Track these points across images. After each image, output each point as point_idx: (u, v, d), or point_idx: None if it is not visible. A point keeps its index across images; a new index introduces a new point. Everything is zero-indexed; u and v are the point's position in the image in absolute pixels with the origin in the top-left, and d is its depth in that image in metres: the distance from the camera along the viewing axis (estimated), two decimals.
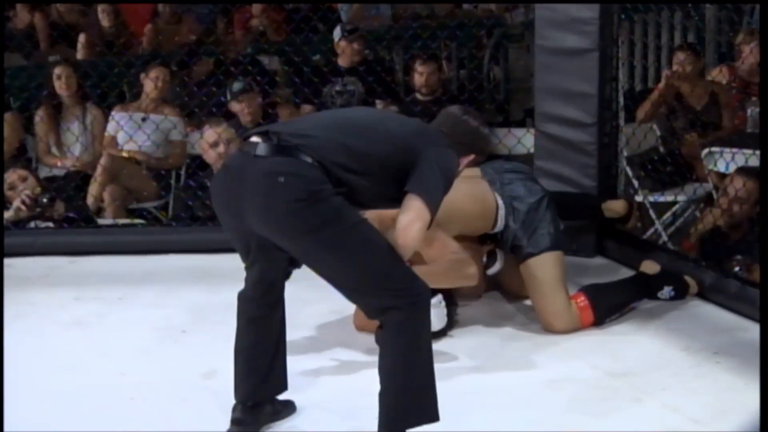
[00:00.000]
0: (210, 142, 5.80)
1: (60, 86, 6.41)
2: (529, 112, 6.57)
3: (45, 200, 5.75)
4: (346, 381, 3.78)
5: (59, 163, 6.39)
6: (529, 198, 4.27)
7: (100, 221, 5.92)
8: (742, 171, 5.14)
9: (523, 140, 5.96)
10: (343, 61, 6.81)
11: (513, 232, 4.23)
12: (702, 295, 4.52)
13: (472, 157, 3.43)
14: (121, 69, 6.78)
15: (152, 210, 6.29)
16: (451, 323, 4.16)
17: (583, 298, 4.21)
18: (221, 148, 5.74)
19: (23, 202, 5.68)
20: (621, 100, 5.24)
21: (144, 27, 7.68)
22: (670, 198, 5.83)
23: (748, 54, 6.14)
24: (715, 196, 5.51)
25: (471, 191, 4.20)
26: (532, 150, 5.51)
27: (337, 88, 6.70)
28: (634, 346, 4.05)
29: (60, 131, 6.46)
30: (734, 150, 5.44)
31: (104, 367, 3.95)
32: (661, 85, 6.26)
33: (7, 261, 4.96)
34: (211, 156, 5.84)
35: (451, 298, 4.17)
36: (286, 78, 7.17)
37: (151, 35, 7.58)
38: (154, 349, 4.13)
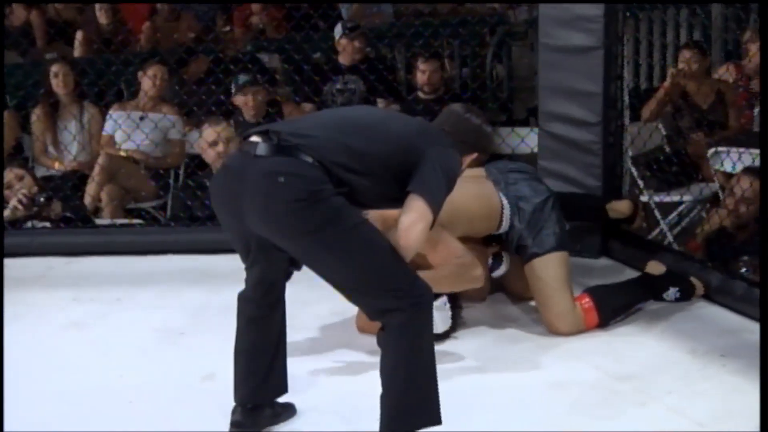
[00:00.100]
0: (209, 141, 5.81)
1: (57, 84, 6.42)
2: (532, 111, 6.57)
3: (42, 200, 5.76)
4: (347, 383, 3.78)
5: (56, 166, 6.40)
6: (535, 198, 4.27)
7: (98, 221, 5.93)
8: (749, 171, 5.13)
9: (526, 139, 5.96)
10: (344, 59, 6.82)
11: (518, 233, 4.24)
12: (708, 296, 4.52)
13: (474, 155, 3.43)
14: (118, 67, 6.79)
15: (150, 210, 6.30)
16: (455, 326, 4.16)
17: (587, 299, 4.22)
18: (220, 147, 5.75)
19: (20, 202, 5.69)
20: (626, 98, 5.24)
21: (142, 24, 7.69)
22: (675, 198, 5.83)
23: (756, 52, 6.14)
24: (721, 196, 5.52)
25: (476, 191, 4.21)
26: (535, 149, 5.52)
27: (338, 86, 6.70)
28: (638, 348, 4.05)
29: (57, 130, 6.46)
30: (741, 149, 5.44)
31: (102, 369, 3.96)
32: (667, 83, 6.26)
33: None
34: (210, 155, 5.85)
35: (456, 300, 4.17)
36: (286, 76, 7.18)
37: (150, 33, 7.59)
38: (152, 351, 4.14)
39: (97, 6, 7.53)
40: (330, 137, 3.09)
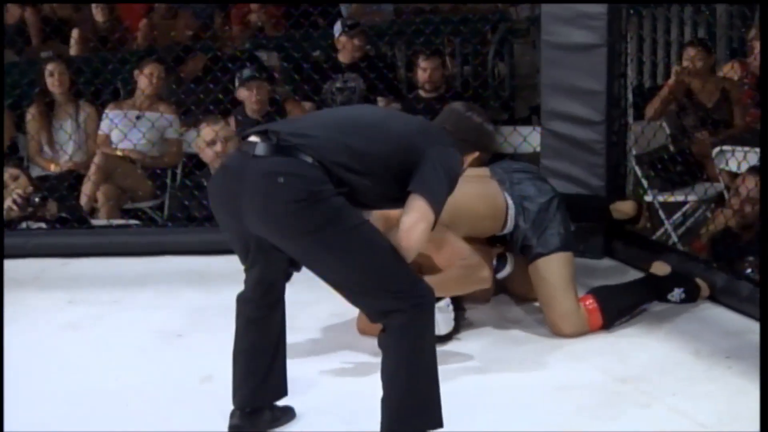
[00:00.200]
0: (207, 140, 5.81)
1: (52, 83, 6.43)
2: (534, 110, 6.58)
3: (37, 200, 5.77)
4: (348, 385, 3.79)
5: (52, 167, 6.40)
6: (540, 198, 4.28)
7: (94, 222, 5.93)
8: (755, 170, 5.14)
9: (528, 138, 5.97)
10: (343, 57, 6.82)
11: (523, 233, 4.25)
12: (713, 297, 4.53)
13: (476, 154, 3.44)
14: (115, 65, 6.79)
15: (147, 210, 6.30)
16: (458, 327, 4.17)
17: (591, 300, 4.22)
18: (218, 147, 5.76)
19: (14, 202, 5.69)
20: (630, 97, 5.24)
21: (139, 22, 7.69)
22: (680, 198, 5.84)
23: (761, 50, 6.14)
24: (726, 196, 5.52)
25: (480, 191, 4.22)
26: (538, 148, 5.52)
27: (338, 85, 6.71)
28: (643, 350, 4.06)
29: (52, 129, 6.47)
30: (746, 148, 5.44)
31: (99, 371, 3.96)
32: (671, 81, 6.27)
33: None
34: (208, 155, 5.85)
35: (459, 302, 4.18)
36: (285, 75, 7.18)
37: (147, 30, 7.59)
38: (150, 353, 4.14)
39: (94, 3, 7.53)
40: (330, 137, 3.10)
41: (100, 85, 6.78)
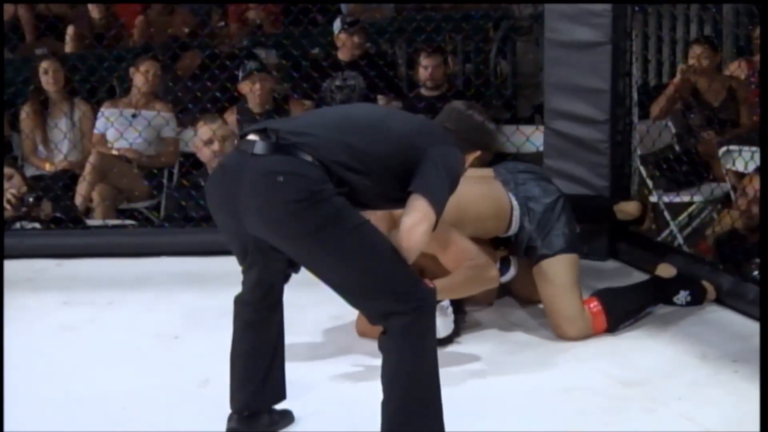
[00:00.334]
0: (204, 139, 5.82)
1: (47, 81, 6.43)
2: (538, 109, 6.58)
3: (31, 200, 5.77)
4: (347, 389, 3.79)
5: (46, 167, 6.40)
6: (545, 198, 4.28)
7: (89, 222, 5.94)
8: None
9: (531, 138, 5.97)
10: (343, 55, 6.82)
11: (528, 234, 4.25)
12: (719, 300, 4.53)
13: (478, 153, 3.44)
14: (111, 63, 6.79)
15: (143, 210, 6.30)
16: (458, 330, 4.17)
17: (596, 303, 4.22)
18: (216, 146, 5.76)
19: (8, 202, 5.69)
20: (634, 95, 5.24)
21: (135, 19, 7.69)
22: (685, 198, 5.84)
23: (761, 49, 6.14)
24: (733, 196, 5.52)
25: (484, 191, 4.22)
26: (541, 148, 5.52)
27: (337, 83, 6.71)
28: (648, 353, 4.06)
29: (47, 128, 6.47)
30: (753, 148, 5.44)
31: (94, 374, 3.96)
32: (677, 80, 6.27)
33: None
34: (205, 154, 5.86)
35: (460, 305, 4.17)
36: (283, 72, 7.18)
37: (143, 27, 7.59)
38: (145, 356, 4.14)
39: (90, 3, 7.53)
40: (330, 136, 3.09)
41: (96, 82, 6.78)
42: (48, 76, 6.42)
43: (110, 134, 6.36)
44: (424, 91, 6.59)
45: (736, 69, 6.50)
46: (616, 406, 3.62)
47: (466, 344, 4.15)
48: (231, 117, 6.32)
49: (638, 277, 4.79)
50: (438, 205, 3.08)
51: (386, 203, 3.26)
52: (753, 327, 4.26)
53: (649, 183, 5.78)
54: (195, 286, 4.93)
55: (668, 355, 4.04)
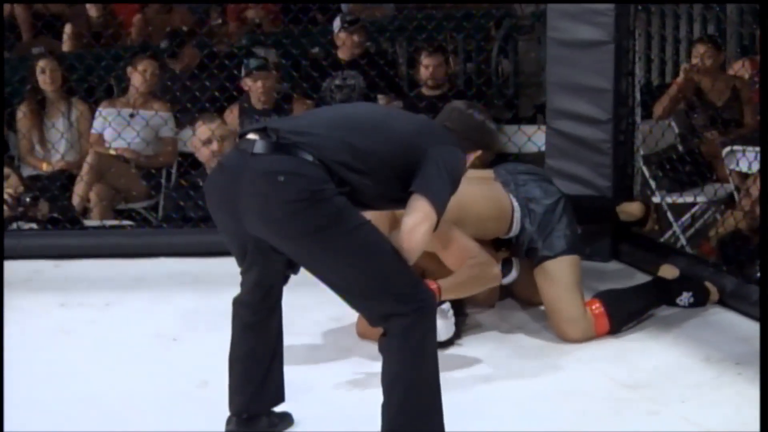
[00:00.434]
0: (203, 139, 5.82)
1: (44, 80, 6.43)
2: (540, 108, 6.58)
3: (28, 200, 5.77)
4: (347, 391, 3.79)
5: (43, 167, 6.40)
6: (546, 200, 4.28)
7: (87, 222, 5.94)
8: None
9: (533, 138, 5.97)
10: (343, 54, 6.82)
11: (529, 235, 4.25)
12: (722, 301, 4.53)
13: (478, 152, 3.44)
14: (108, 62, 6.79)
15: (141, 211, 6.31)
16: (459, 333, 4.17)
17: (598, 304, 4.22)
18: (214, 146, 5.77)
19: (5, 202, 5.69)
20: (637, 95, 5.25)
21: (133, 17, 7.70)
22: (689, 199, 5.84)
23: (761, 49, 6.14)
24: (736, 197, 5.52)
25: (485, 193, 4.23)
26: (543, 148, 5.52)
27: (337, 82, 6.71)
28: (650, 355, 4.06)
29: (44, 128, 6.47)
30: (757, 148, 5.44)
31: (91, 377, 3.96)
32: (680, 79, 6.27)
33: None
34: (203, 154, 5.86)
35: (461, 307, 4.18)
36: (283, 72, 7.19)
37: (141, 25, 7.59)
38: (143, 358, 4.14)
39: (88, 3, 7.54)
40: (331, 135, 3.09)
41: (94, 82, 6.78)
42: (45, 75, 6.42)
43: (108, 134, 6.36)
44: (425, 91, 6.59)
45: (740, 68, 6.50)
46: (619, 408, 3.62)
47: (467, 346, 4.16)
48: (233, 113, 6.32)
49: (641, 278, 4.79)
50: (439, 205, 3.08)
51: (387, 203, 3.26)
52: (757, 329, 4.25)
53: (652, 183, 5.78)
54: (193, 287, 4.93)
55: (671, 357, 4.04)
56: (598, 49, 5.05)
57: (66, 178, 6.28)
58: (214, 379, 3.56)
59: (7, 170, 5.93)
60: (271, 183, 3.00)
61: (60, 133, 6.40)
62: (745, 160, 5.52)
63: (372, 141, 3.12)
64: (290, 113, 6.13)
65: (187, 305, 4.70)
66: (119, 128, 6.25)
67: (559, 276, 4.19)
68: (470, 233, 4.10)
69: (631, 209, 5.07)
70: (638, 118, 5.32)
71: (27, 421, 3.56)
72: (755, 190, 5.07)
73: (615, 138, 5.13)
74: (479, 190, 4.18)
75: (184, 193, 5.92)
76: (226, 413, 3.37)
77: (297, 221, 2.99)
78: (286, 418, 3.47)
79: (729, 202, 5.68)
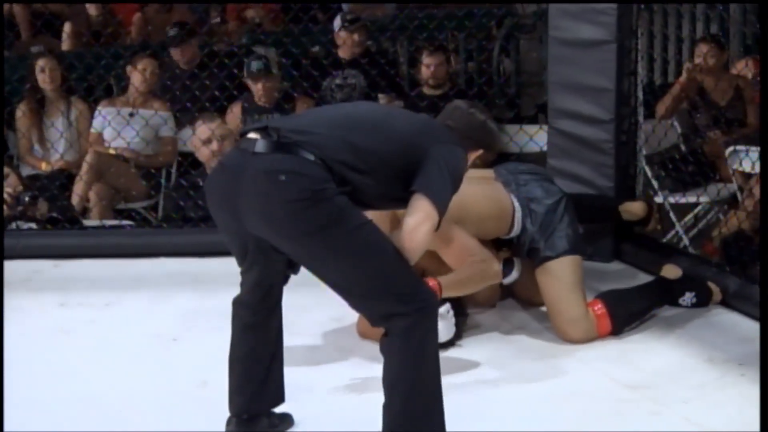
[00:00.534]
0: (203, 138, 5.82)
1: (43, 79, 6.43)
2: (541, 108, 6.58)
3: (27, 199, 5.77)
4: (348, 392, 3.79)
5: (43, 166, 6.40)
6: (547, 199, 4.29)
7: (86, 222, 5.94)
8: None
9: (535, 137, 5.97)
10: (343, 53, 6.82)
11: (530, 235, 4.25)
12: (725, 301, 4.53)
13: (479, 152, 3.45)
14: (108, 61, 6.79)
15: (141, 211, 6.31)
16: (459, 334, 4.17)
17: (600, 305, 4.22)
18: (215, 145, 5.77)
19: (4, 201, 5.69)
20: (640, 95, 5.25)
21: (133, 16, 7.70)
22: (692, 199, 5.84)
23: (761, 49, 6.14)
24: (739, 197, 5.52)
25: (486, 192, 4.23)
26: (544, 148, 5.53)
27: (338, 81, 6.71)
28: (653, 356, 4.06)
29: (43, 127, 6.47)
30: (760, 148, 5.45)
31: (91, 377, 3.97)
32: (683, 79, 6.27)
33: None
34: (203, 153, 5.86)
35: (461, 308, 4.18)
36: (283, 71, 7.19)
37: (141, 24, 7.60)
38: (143, 358, 4.15)
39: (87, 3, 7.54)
40: (333, 134, 3.10)
41: (93, 81, 6.78)
42: (44, 74, 6.42)
43: (107, 133, 6.37)
44: (426, 90, 6.59)
45: (743, 68, 6.50)
46: (621, 409, 3.62)
47: (468, 346, 4.16)
48: (233, 112, 6.32)
49: (643, 278, 4.79)
50: (440, 205, 3.08)
51: (388, 203, 3.27)
52: (760, 329, 4.27)
53: (655, 183, 5.78)
54: (193, 287, 4.94)
55: (674, 358, 4.05)
56: (600, 49, 5.05)
57: (65, 177, 6.28)
58: (214, 380, 3.57)
59: (6, 169, 5.93)
60: (272, 182, 3.00)
61: (59, 133, 6.40)
62: (749, 159, 5.52)
63: (373, 140, 3.13)
64: (293, 112, 6.13)
65: (186, 305, 4.71)
66: (119, 127, 6.26)
67: (561, 276, 4.20)
68: (471, 233, 4.10)
69: (633, 209, 5.08)
70: (641, 118, 5.32)
71: (27, 421, 3.56)
72: (758, 190, 5.07)
73: (617, 138, 5.13)
74: (480, 190, 4.19)
75: (183, 193, 5.92)
76: (226, 413, 3.37)
77: (298, 220, 2.99)
78: (287, 419, 3.47)
79: (732, 202, 5.68)
